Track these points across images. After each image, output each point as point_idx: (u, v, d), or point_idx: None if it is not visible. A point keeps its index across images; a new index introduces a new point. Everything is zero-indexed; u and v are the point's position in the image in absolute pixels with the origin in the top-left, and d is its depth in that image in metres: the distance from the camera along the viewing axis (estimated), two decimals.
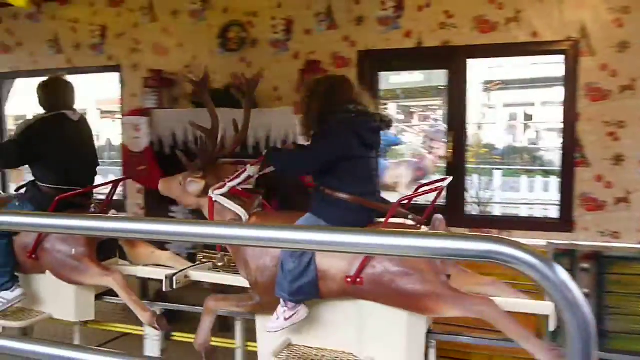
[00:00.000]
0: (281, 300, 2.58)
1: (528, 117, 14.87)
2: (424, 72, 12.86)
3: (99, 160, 3.60)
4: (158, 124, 4.35)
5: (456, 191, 4.22)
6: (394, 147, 8.48)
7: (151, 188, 4.48)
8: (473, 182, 7.90)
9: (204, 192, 2.91)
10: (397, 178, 6.74)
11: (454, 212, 4.16)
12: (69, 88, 3.38)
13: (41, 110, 3.33)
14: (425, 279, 2.44)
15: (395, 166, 7.04)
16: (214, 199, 2.86)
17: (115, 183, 3.53)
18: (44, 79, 3.43)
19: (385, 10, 4.25)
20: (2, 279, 3.18)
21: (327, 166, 2.59)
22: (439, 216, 2.62)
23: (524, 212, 8.19)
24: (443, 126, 5.87)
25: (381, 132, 2.73)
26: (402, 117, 16.58)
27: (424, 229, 2.63)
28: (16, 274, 3.26)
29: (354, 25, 4.33)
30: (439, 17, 4.13)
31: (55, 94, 3.33)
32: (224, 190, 2.84)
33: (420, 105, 16.58)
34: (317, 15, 4.40)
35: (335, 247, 1.16)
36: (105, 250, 3.35)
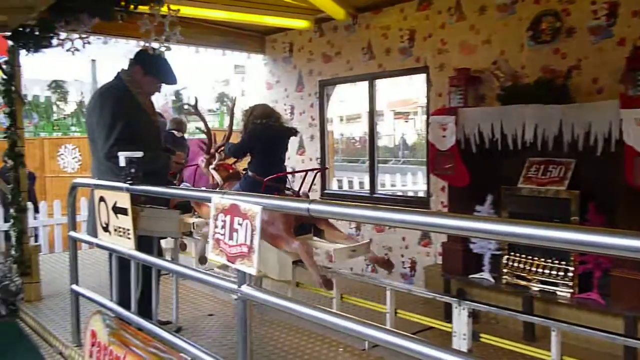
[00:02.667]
0: None
1: None
2: None
3: None
4: (464, 122, 4.34)
5: None
6: None
7: (457, 186, 4.53)
8: None
9: (207, 166, 4.73)
10: None
11: None
12: (183, 122, 6.12)
13: None
14: (278, 227, 3.75)
15: None
16: (210, 171, 4.69)
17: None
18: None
19: None
20: None
21: (247, 154, 4.37)
22: (305, 191, 4.38)
23: None
24: None
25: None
26: None
27: None
28: None
29: None
30: None
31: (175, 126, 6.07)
32: (212, 165, 4.67)
33: None
34: None
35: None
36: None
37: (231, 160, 4.85)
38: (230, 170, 4.82)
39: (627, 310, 3.52)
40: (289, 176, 4.44)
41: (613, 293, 3.65)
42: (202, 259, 4.63)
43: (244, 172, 4.49)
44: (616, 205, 3.71)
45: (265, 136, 4.22)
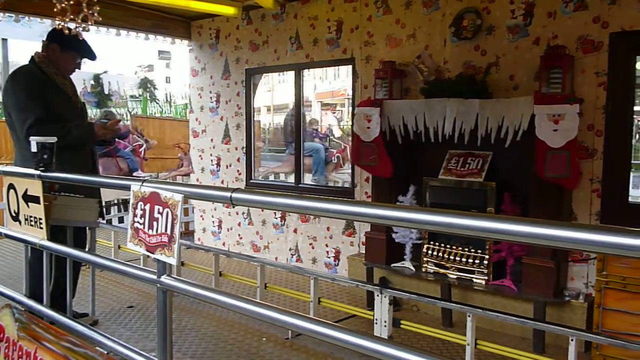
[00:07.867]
0: None
1: None
2: None
3: None
4: (389, 114, 4.41)
5: None
6: None
7: (381, 176, 4.61)
8: None
9: None
10: None
11: None
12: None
13: None
14: None
15: None
16: None
17: None
18: None
19: None
20: None
21: None
22: None
23: None
24: None
25: None
26: None
27: None
28: None
29: (606, 4, 3.88)
30: None
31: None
32: None
33: None
34: None
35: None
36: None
37: None
38: None
39: (537, 295, 3.73)
40: None
41: (524, 279, 3.85)
42: None
43: None
44: (528, 196, 3.91)
45: None
